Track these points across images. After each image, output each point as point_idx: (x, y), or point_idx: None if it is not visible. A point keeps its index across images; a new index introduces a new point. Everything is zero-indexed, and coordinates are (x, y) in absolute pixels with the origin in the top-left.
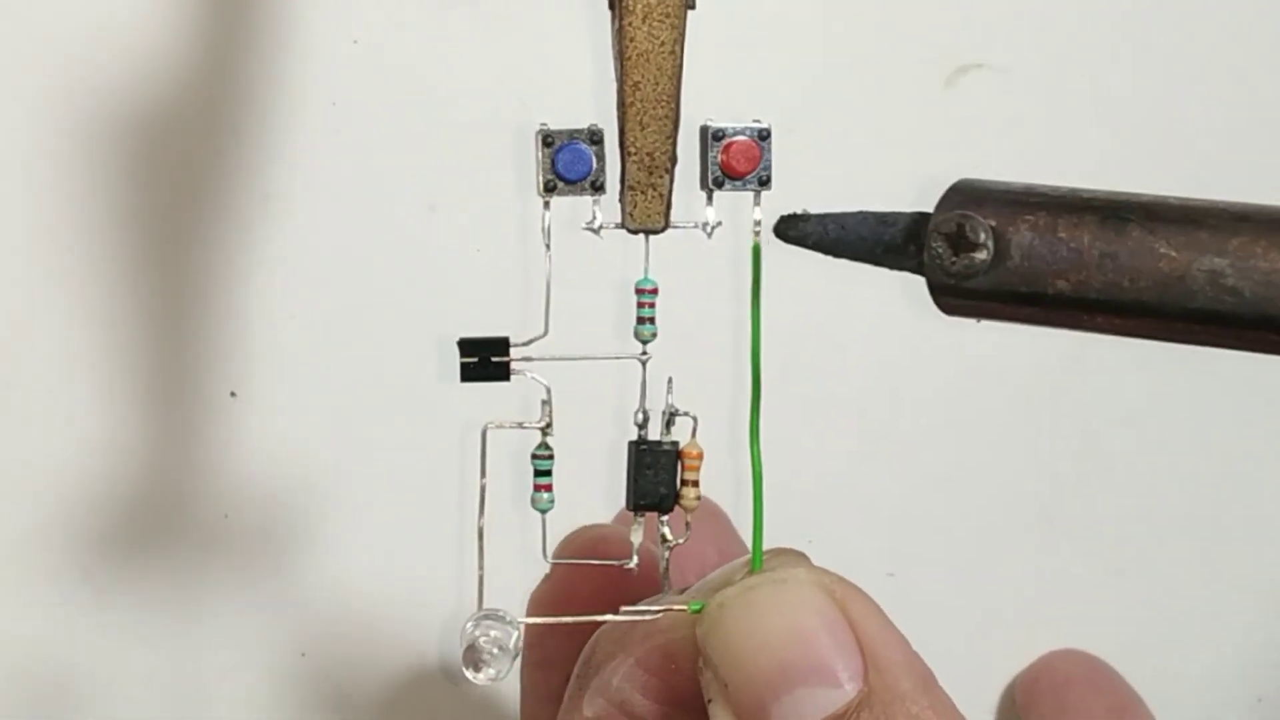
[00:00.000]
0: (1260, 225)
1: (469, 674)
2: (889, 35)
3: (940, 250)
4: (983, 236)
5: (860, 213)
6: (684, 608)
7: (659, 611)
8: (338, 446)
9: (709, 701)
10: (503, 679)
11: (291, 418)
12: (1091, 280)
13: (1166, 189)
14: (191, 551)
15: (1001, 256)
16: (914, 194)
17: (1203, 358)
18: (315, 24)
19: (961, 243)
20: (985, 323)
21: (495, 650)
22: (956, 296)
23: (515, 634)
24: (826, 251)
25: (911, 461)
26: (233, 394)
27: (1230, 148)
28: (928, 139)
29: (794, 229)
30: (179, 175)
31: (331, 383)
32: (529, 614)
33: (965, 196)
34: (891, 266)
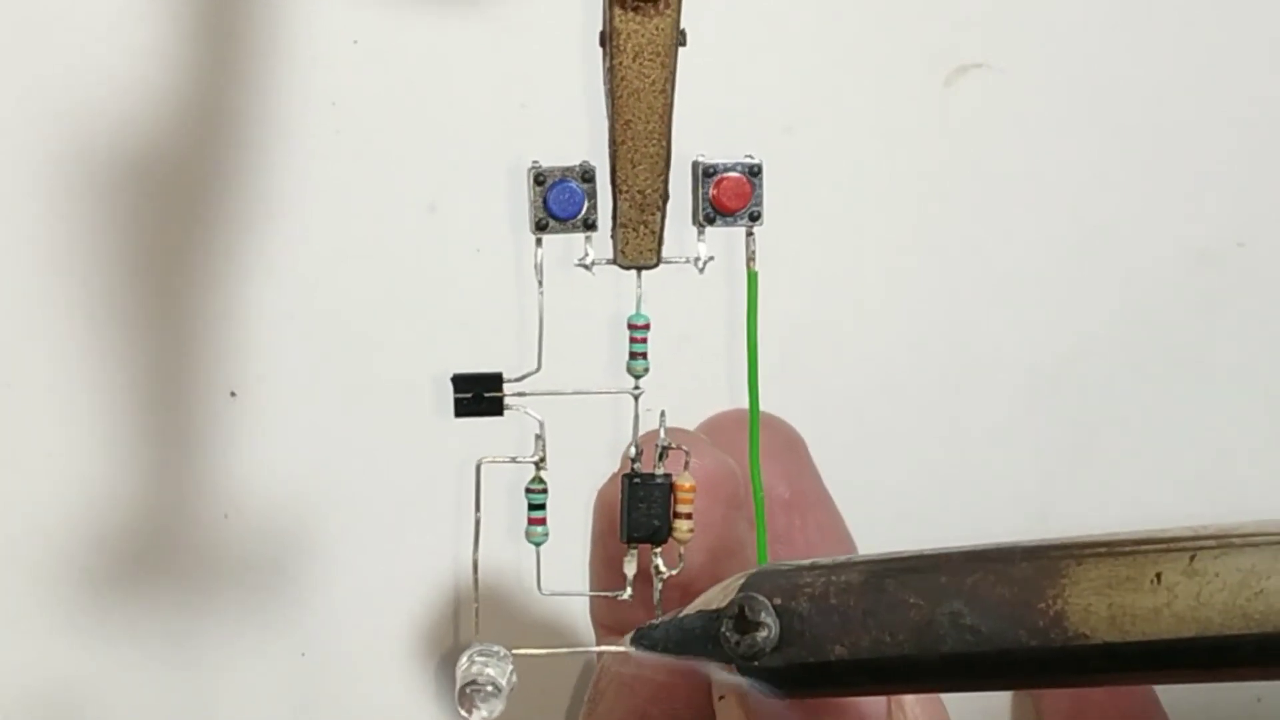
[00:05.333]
0: (990, 562)
1: (464, 712)
2: (889, 35)
3: (728, 635)
4: (763, 615)
5: (698, 613)
6: None
7: None
8: (337, 447)
9: (719, 698)
10: (495, 714)
11: (291, 418)
12: (861, 641)
13: (1165, 188)
14: (191, 551)
15: (790, 633)
16: (913, 192)
17: (1201, 359)
18: (315, 24)
19: (745, 624)
20: (983, 322)
21: (489, 688)
22: (763, 679)
23: (509, 669)
24: (675, 654)
25: (910, 463)
26: (233, 394)
27: (1230, 148)
28: (927, 139)
29: (646, 639)
30: (178, 175)
31: (331, 383)
32: (598, 507)
33: (756, 580)
34: (716, 659)
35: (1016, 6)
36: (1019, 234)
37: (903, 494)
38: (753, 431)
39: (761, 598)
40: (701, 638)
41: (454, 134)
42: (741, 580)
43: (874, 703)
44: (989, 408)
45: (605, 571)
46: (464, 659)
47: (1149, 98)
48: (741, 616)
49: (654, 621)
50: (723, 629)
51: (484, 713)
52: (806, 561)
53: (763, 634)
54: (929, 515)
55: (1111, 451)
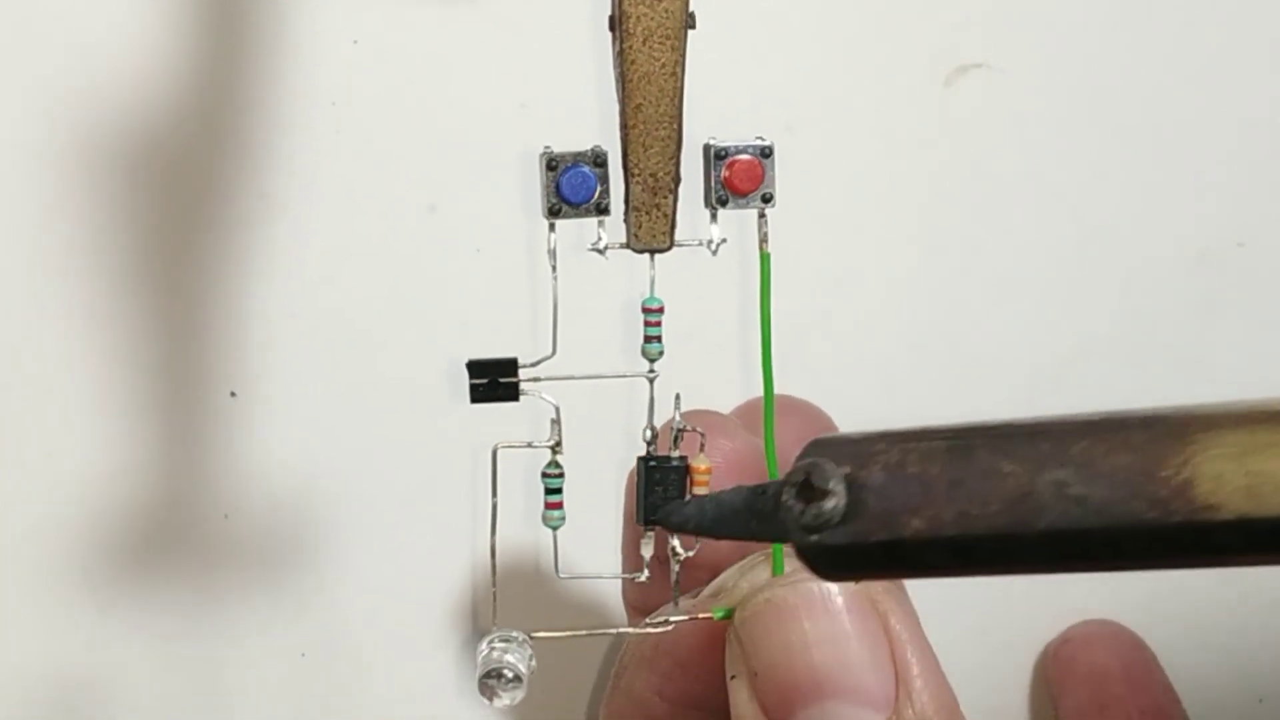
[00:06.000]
0: (1103, 428)
1: (486, 700)
2: (888, 35)
3: (791, 504)
4: (832, 483)
5: (736, 488)
6: (708, 615)
7: (675, 623)
8: (338, 447)
9: (731, 677)
10: (517, 702)
11: (292, 418)
12: (943, 514)
13: (1165, 188)
14: (191, 552)
15: (858, 505)
16: (913, 192)
17: (1201, 359)
18: (315, 24)
19: (811, 492)
20: (983, 322)
21: (510, 675)
22: (823, 557)
23: (529, 654)
24: (707, 533)
25: None
26: (233, 394)
27: (1230, 148)
28: (927, 138)
29: (676, 515)
30: (179, 174)
31: (332, 383)
32: (629, 490)
33: (821, 446)
34: (763, 537)
35: (1016, 6)
36: (1019, 234)
37: None
38: (767, 409)
39: (829, 464)
40: (743, 513)
41: (454, 134)
42: (808, 450)
43: (882, 685)
44: (989, 408)
45: (634, 553)
46: (484, 645)
47: (1149, 98)
48: (807, 484)
49: (685, 499)
50: (784, 498)
51: (506, 700)
52: (877, 430)
53: (830, 503)
54: None
55: None
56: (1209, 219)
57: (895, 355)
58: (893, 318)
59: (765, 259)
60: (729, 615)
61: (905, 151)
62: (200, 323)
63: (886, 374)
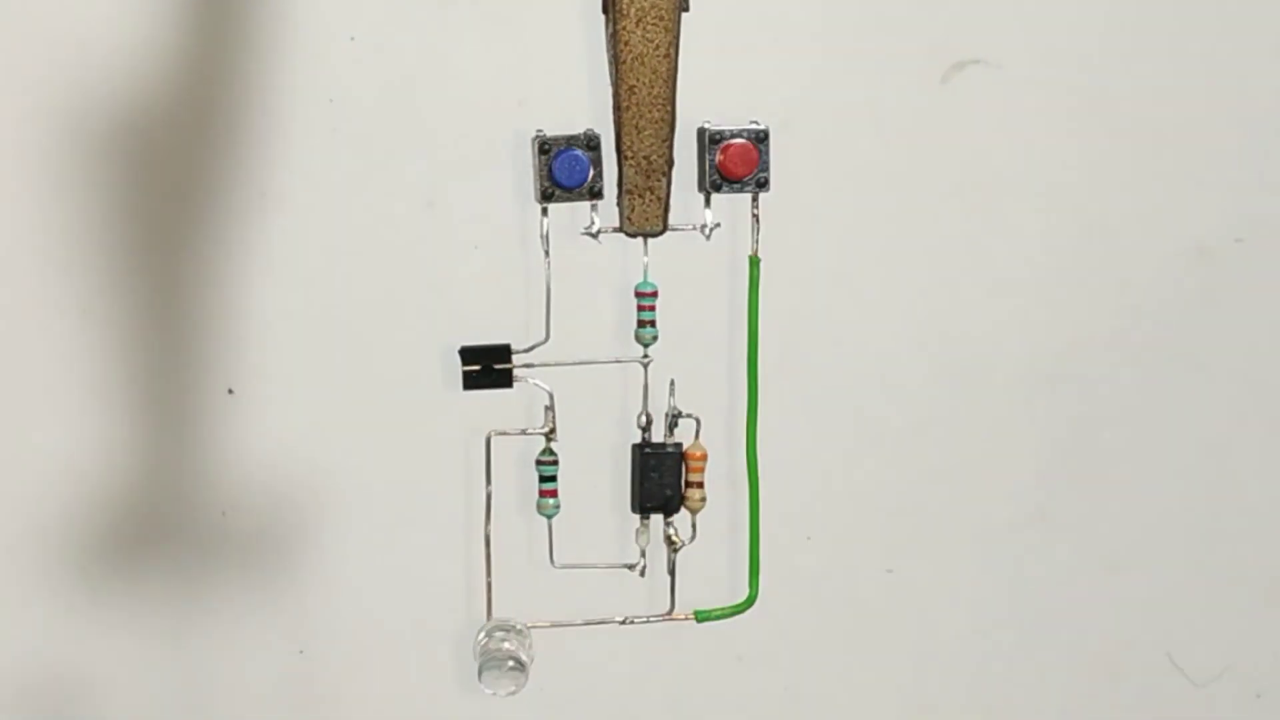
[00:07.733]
0: None
1: (485, 688)
2: (885, 32)
3: None
4: None
5: None
6: (687, 616)
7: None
8: (336, 444)
9: None
10: (520, 689)
11: (289, 415)
12: None
13: (1164, 185)
14: (189, 549)
15: None
16: (910, 188)
17: (1200, 354)
18: (312, 21)
19: None
20: (982, 320)
21: (511, 664)
22: None
23: (529, 643)
24: None
25: (909, 458)
26: (230, 391)
27: (1229, 144)
28: (923, 135)
29: None
30: (176, 172)
31: (330, 380)
32: None
33: None
34: None
35: (1013, 3)
36: (1017, 231)
37: (902, 492)
38: (750, 415)
39: None
40: None
41: (451, 129)
42: None
43: None
44: (989, 406)
45: None
46: (482, 635)
47: (1148, 94)
48: None
49: None
50: None
51: (510, 687)
52: None
53: None
54: (929, 513)
55: (1111, 450)
56: (1208, 215)
57: (893, 353)
58: (891, 315)
59: (754, 264)
60: (709, 617)
61: (902, 148)
62: (198, 320)
63: (885, 373)
